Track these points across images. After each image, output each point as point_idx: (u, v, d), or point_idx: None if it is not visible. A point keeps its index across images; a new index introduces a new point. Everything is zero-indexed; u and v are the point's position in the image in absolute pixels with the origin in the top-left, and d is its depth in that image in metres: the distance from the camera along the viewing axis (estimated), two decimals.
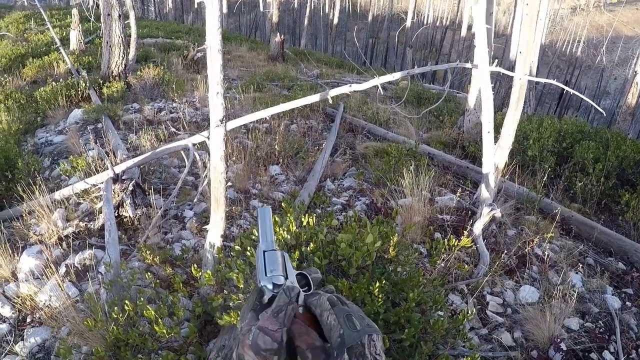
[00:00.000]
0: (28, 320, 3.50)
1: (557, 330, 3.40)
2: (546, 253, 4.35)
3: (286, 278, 0.95)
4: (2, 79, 10.17)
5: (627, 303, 4.03)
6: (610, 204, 5.71)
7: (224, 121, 2.78)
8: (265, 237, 1.02)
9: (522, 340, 3.46)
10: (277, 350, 0.84)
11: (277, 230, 2.33)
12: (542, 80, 4.98)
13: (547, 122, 7.35)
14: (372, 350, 0.83)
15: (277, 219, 2.43)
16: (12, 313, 3.55)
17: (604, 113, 4.78)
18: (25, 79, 10.84)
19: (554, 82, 4.94)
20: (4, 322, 3.49)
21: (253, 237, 2.56)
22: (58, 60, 11.33)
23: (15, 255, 4.04)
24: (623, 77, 32.12)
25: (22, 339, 3.31)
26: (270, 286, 0.94)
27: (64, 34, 14.68)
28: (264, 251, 0.99)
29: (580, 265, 4.36)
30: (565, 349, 3.17)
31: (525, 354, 3.30)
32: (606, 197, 5.72)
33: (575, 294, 3.66)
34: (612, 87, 32.13)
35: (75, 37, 12.90)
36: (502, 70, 4.86)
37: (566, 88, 4.94)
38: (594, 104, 4.63)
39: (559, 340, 3.27)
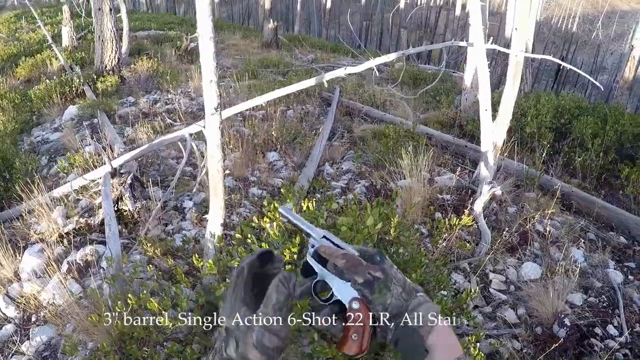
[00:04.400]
0: (33, 319, 3.50)
1: (561, 305, 3.40)
2: (547, 229, 4.35)
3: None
4: None
5: (630, 277, 4.03)
6: (609, 178, 5.71)
7: (219, 109, 2.75)
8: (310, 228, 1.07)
9: (526, 316, 3.47)
10: (283, 347, 0.85)
11: (277, 216, 2.31)
12: (538, 56, 4.94)
13: (544, 98, 7.29)
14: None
15: (276, 205, 2.41)
16: (17, 313, 3.55)
17: (601, 87, 4.74)
18: (18, 79, 10.78)
19: (550, 57, 4.90)
20: (9, 322, 3.49)
21: (253, 224, 2.55)
22: (51, 57, 11.25)
23: (17, 255, 4.03)
24: (620, 52, 31.98)
25: (28, 339, 3.30)
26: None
27: (56, 31, 14.55)
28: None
29: (582, 241, 4.36)
30: (569, 324, 3.18)
31: (530, 330, 3.31)
32: (606, 172, 5.72)
33: (578, 269, 3.67)
34: (609, 62, 31.95)
35: (67, 33, 12.79)
36: (498, 48, 4.82)
37: (562, 63, 4.90)
38: (591, 79, 4.60)
39: (562, 315, 3.27)
